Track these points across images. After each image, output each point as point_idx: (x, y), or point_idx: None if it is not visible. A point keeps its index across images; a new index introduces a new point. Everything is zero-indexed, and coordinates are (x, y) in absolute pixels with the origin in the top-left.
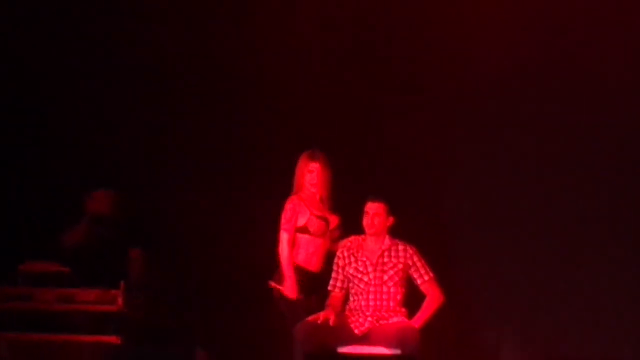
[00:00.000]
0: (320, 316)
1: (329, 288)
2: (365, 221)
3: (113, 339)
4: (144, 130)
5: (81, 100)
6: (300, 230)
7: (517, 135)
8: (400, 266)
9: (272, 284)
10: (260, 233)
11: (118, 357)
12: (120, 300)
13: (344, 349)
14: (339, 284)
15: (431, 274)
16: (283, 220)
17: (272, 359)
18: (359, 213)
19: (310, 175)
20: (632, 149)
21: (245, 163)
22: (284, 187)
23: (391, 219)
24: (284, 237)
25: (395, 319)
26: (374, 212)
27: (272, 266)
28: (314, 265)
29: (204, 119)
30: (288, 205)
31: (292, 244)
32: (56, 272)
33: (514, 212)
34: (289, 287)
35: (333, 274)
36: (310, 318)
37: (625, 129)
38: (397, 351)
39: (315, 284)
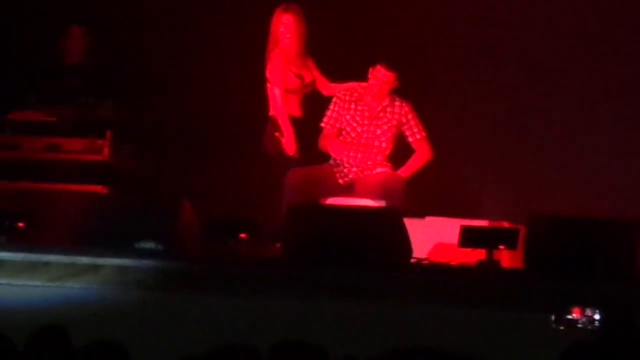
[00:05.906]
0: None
1: (322, 125)
2: (371, 84)
3: (99, 189)
4: None
5: None
6: None
7: None
8: (395, 122)
9: (278, 134)
10: (248, 85)
11: (104, 206)
12: (106, 150)
13: (327, 201)
14: (331, 121)
15: (424, 133)
16: (272, 76)
17: (258, 209)
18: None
19: (284, 27)
20: None
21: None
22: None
23: (395, 84)
24: (276, 92)
25: (379, 169)
26: (385, 80)
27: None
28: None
29: None
30: (275, 61)
31: (285, 97)
32: (43, 121)
33: (499, 59)
34: (287, 142)
35: (328, 112)
36: (301, 168)
37: None
38: (382, 202)
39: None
